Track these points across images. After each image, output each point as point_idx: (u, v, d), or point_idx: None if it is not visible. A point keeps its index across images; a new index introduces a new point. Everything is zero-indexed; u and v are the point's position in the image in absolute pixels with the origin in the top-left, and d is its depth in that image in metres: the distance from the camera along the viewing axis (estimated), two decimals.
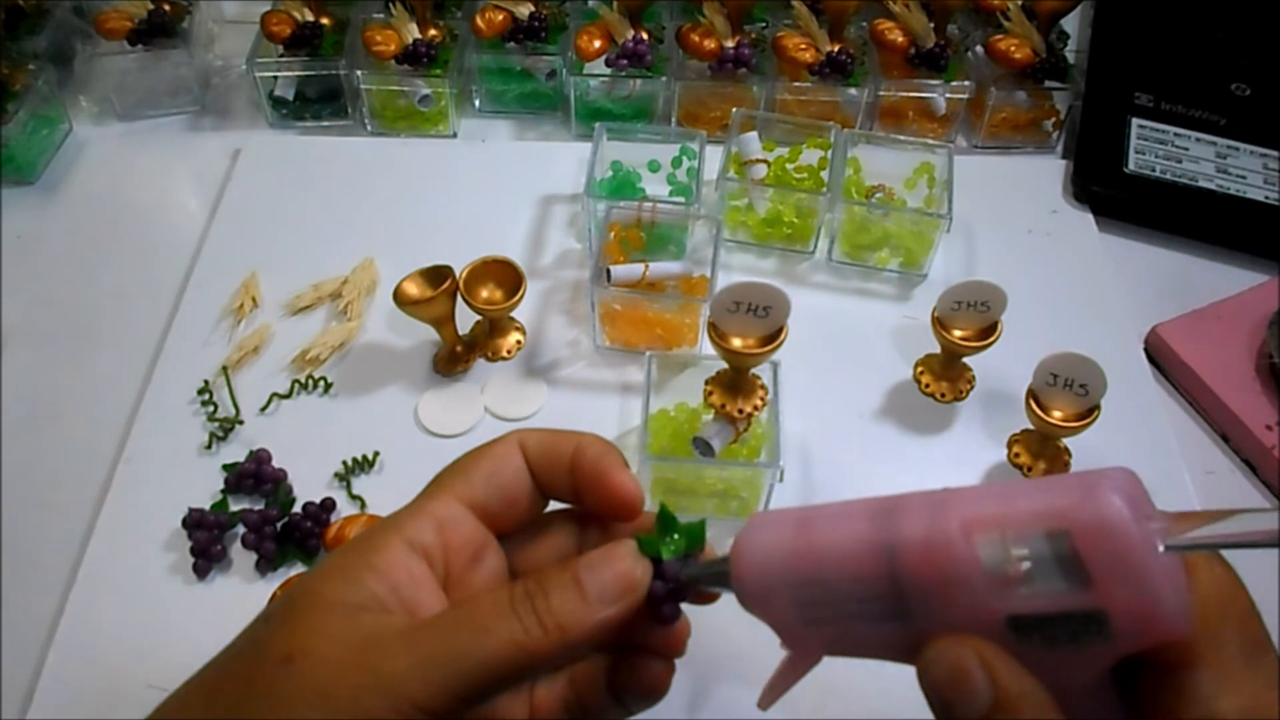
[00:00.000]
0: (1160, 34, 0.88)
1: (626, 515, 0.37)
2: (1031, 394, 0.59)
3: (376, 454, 0.63)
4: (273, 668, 0.31)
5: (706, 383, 0.59)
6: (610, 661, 0.37)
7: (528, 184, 0.79)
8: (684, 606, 0.36)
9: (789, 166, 0.76)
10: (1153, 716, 0.30)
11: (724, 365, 0.58)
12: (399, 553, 0.34)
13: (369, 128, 0.84)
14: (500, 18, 0.80)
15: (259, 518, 0.58)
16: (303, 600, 0.33)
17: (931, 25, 0.81)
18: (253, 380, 0.67)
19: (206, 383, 0.66)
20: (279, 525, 0.59)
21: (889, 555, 0.31)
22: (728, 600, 0.37)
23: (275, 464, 0.62)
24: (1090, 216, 0.79)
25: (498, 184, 0.80)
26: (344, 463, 0.62)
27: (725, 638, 0.54)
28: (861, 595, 0.31)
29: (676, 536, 0.35)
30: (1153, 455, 0.65)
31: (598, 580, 0.33)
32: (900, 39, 0.81)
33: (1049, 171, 0.82)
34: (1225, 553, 0.31)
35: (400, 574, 0.34)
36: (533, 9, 0.81)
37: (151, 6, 0.81)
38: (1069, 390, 0.58)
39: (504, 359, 0.68)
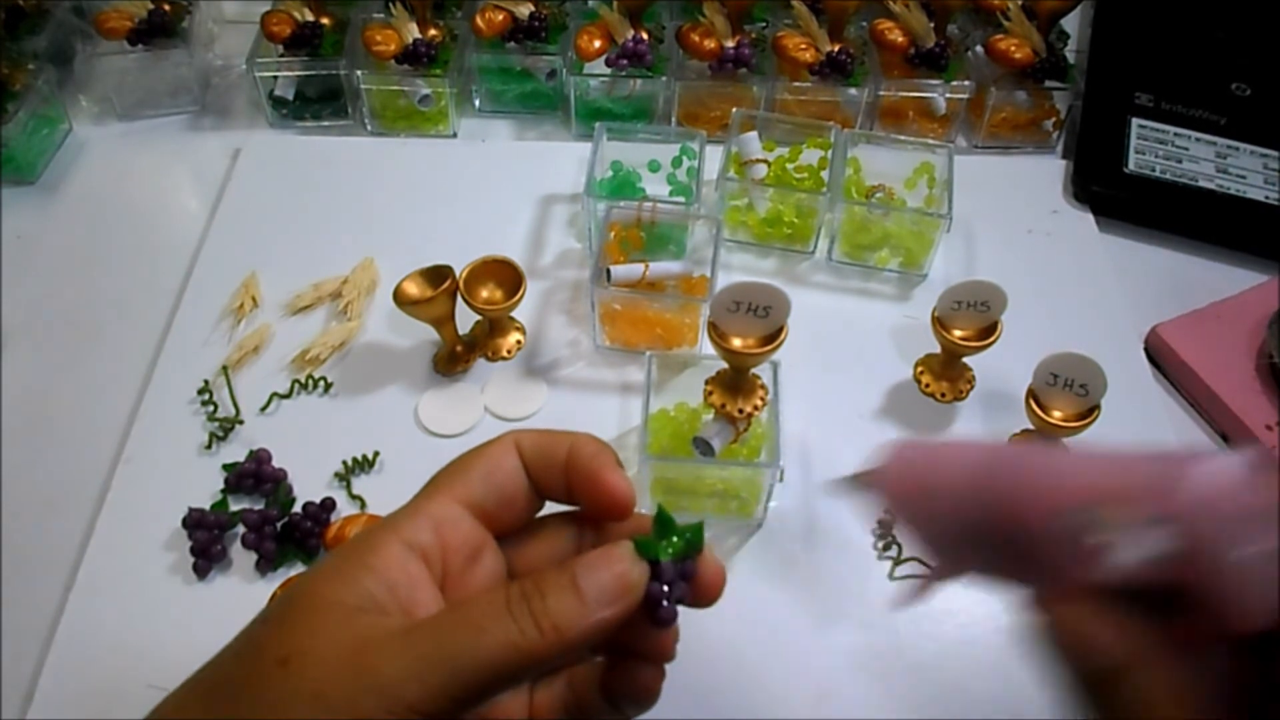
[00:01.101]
0: (1160, 34, 0.88)
1: (618, 515, 0.37)
2: (1031, 394, 0.59)
3: (376, 454, 0.63)
4: (269, 669, 0.31)
5: (706, 383, 0.59)
6: (604, 666, 0.37)
7: (528, 184, 0.79)
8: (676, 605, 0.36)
9: (789, 166, 0.76)
10: None
11: (724, 365, 0.58)
12: (396, 553, 0.34)
13: (369, 128, 0.84)
14: (500, 18, 0.80)
15: (259, 518, 0.58)
16: (300, 601, 0.33)
17: (931, 25, 0.81)
18: (253, 380, 0.67)
19: (206, 383, 0.66)
20: (279, 525, 0.59)
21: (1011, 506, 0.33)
22: (723, 604, 0.37)
23: (275, 464, 0.62)
24: (1090, 216, 0.79)
25: (498, 184, 0.80)
26: (344, 463, 0.62)
27: (722, 641, 0.54)
28: (980, 540, 0.34)
29: (674, 538, 0.35)
30: None
31: (595, 582, 0.33)
32: (900, 39, 0.81)
33: (1049, 171, 0.82)
34: None
35: (398, 574, 0.34)
36: (533, 9, 0.81)
37: (151, 6, 0.81)
38: (1069, 390, 0.58)
39: (504, 359, 0.68)
